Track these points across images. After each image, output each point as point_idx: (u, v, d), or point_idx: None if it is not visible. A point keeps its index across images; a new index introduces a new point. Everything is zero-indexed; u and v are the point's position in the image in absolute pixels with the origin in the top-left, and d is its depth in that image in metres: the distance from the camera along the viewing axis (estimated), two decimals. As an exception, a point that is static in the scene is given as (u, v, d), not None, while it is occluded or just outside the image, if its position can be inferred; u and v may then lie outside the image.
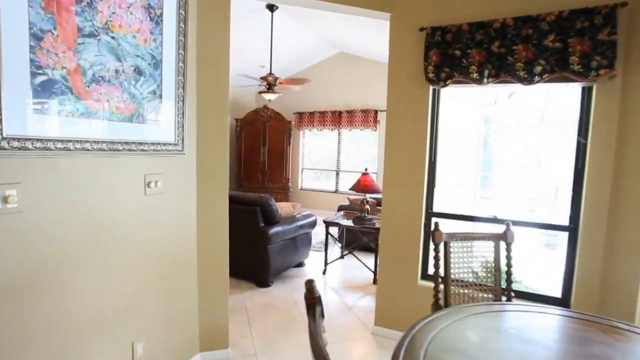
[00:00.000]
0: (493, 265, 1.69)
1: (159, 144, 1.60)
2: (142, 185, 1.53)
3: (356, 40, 5.59)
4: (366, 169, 3.65)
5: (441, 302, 1.63)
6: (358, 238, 3.95)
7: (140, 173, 1.52)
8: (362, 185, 3.51)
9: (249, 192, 3.12)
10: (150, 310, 1.62)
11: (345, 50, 6.39)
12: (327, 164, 7.03)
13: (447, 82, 2.08)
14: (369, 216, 3.61)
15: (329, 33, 5.54)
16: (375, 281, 3.37)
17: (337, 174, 6.91)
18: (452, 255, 1.64)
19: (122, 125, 1.43)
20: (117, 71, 1.39)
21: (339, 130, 6.76)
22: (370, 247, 3.94)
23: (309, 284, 0.82)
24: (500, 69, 1.95)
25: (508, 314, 1.28)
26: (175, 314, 1.77)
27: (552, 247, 3.83)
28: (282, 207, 3.40)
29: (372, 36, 5.09)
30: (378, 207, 4.22)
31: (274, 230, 3.06)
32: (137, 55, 1.47)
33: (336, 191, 6.91)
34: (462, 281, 1.67)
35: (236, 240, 3.19)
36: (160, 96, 1.59)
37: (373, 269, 3.41)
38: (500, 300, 1.67)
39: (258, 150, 6.60)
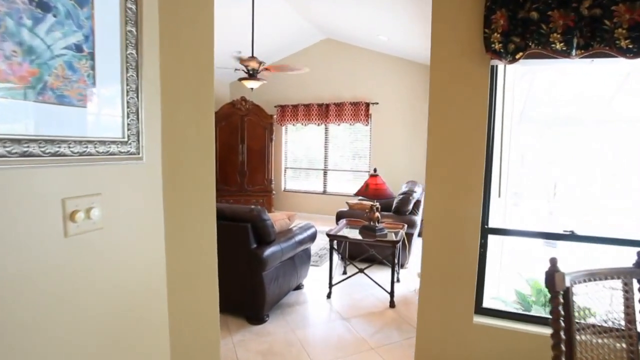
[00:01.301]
0: (625, 311, 1.15)
1: (92, 142, 0.89)
2: (58, 220, 0.82)
3: (344, 25, 4.97)
4: (375, 170, 3.06)
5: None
6: (364, 250, 3.36)
7: (52, 198, 0.82)
8: (373, 190, 2.91)
9: (234, 204, 2.43)
10: None
11: (332, 36, 5.76)
12: (313, 163, 6.39)
13: (518, 56, 1.52)
14: (380, 226, 3.03)
15: (314, 15, 4.88)
16: (392, 304, 2.80)
17: (325, 173, 6.30)
18: (575, 303, 1.08)
19: (6, 105, 0.72)
20: (-15, -8, 0.67)
21: (326, 125, 6.13)
22: (378, 259, 3.37)
23: None
24: (592, 37, 1.42)
25: None
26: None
27: (551, 245, 3.46)
28: (276, 220, 2.73)
29: (361, 20, 4.49)
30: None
31: (270, 251, 2.39)
32: (37, -30, 0.76)
33: (324, 192, 6.30)
34: (583, 330, 1.11)
35: (220, 266, 2.49)
36: (92, 56, 0.89)
37: (389, 290, 2.84)
38: (636, 349, 1.13)
39: (236, 149, 5.83)
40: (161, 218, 1.12)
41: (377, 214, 3.01)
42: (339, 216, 3.73)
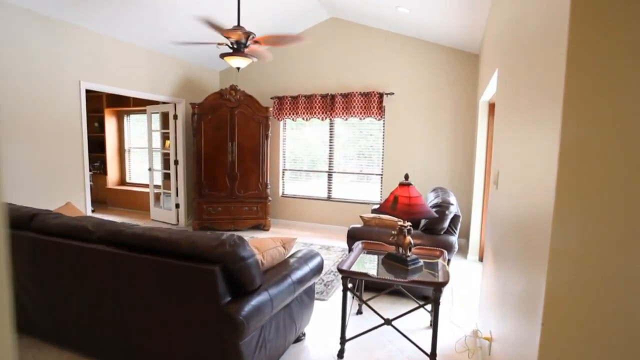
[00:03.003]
0: None
1: None
2: None
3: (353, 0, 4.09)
4: (407, 177, 2.17)
5: None
6: (385, 283, 2.48)
7: None
8: (404, 206, 2.03)
9: (195, 232, 1.55)
10: None
11: (338, 15, 4.88)
12: (316, 164, 5.51)
13: None
14: (413, 255, 2.15)
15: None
16: (433, 374, 1.92)
17: (330, 175, 5.42)
18: None
19: None
20: None
21: (331, 119, 5.25)
22: (403, 293, 2.50)
23: None
24: None
25: None
26: None
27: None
28: (265, 250, 1.85)
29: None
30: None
31: (252, 307, 1.51)
32: None
33: (329, 198, 5.42)
34: None
35: (167, 329, 1.61)
36: None
37: (429, 350, 1.96)
38: None
39: (224, 147, 4.95)
40: None
41: (409, 237, 2.13)
42: (352, 236, 2.85)
